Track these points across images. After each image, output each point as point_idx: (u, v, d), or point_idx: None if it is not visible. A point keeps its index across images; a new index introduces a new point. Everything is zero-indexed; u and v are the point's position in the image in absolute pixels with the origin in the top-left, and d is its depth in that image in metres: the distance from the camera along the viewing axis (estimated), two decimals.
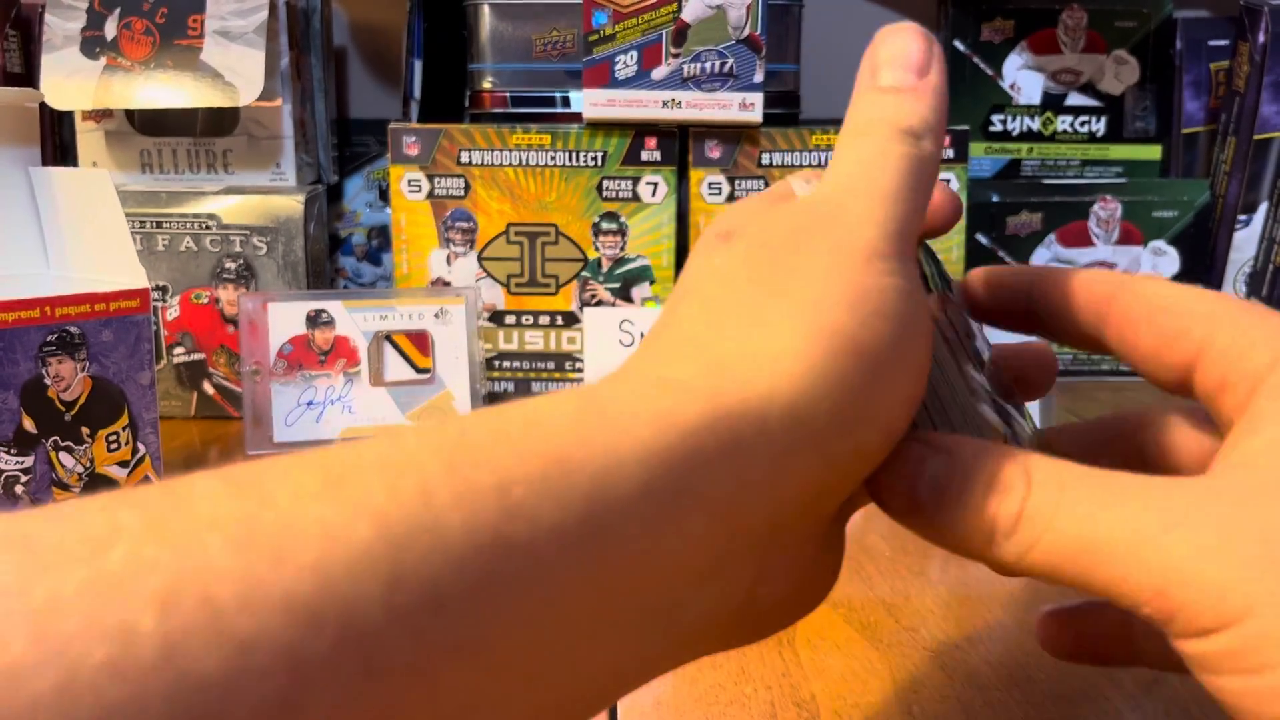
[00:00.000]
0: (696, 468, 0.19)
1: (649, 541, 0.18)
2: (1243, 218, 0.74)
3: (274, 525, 0.16)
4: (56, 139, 0.77)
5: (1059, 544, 0.21)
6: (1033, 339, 0.28)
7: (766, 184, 0.65)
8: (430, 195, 0.65)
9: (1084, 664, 0.29)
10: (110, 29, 0.65)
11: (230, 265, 0.66)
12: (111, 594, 0.14)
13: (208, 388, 0.67)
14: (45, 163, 0.54)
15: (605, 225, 0.65)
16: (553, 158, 0.65)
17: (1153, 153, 0.79)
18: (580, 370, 0.66)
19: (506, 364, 0.67)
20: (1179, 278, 0.74)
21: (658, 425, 0.19)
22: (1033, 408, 0.29)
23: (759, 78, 0.62)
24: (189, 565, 0.15)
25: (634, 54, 0.62)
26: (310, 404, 0.59)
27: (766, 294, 0.22)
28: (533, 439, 0.18)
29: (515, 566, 0.17)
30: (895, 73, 0.24)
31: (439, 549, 0.16)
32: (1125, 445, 0.27)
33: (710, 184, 0.65)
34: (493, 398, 0.67)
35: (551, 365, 0.67)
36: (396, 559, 0.16)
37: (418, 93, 0.73)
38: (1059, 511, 0.21)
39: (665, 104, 0.63)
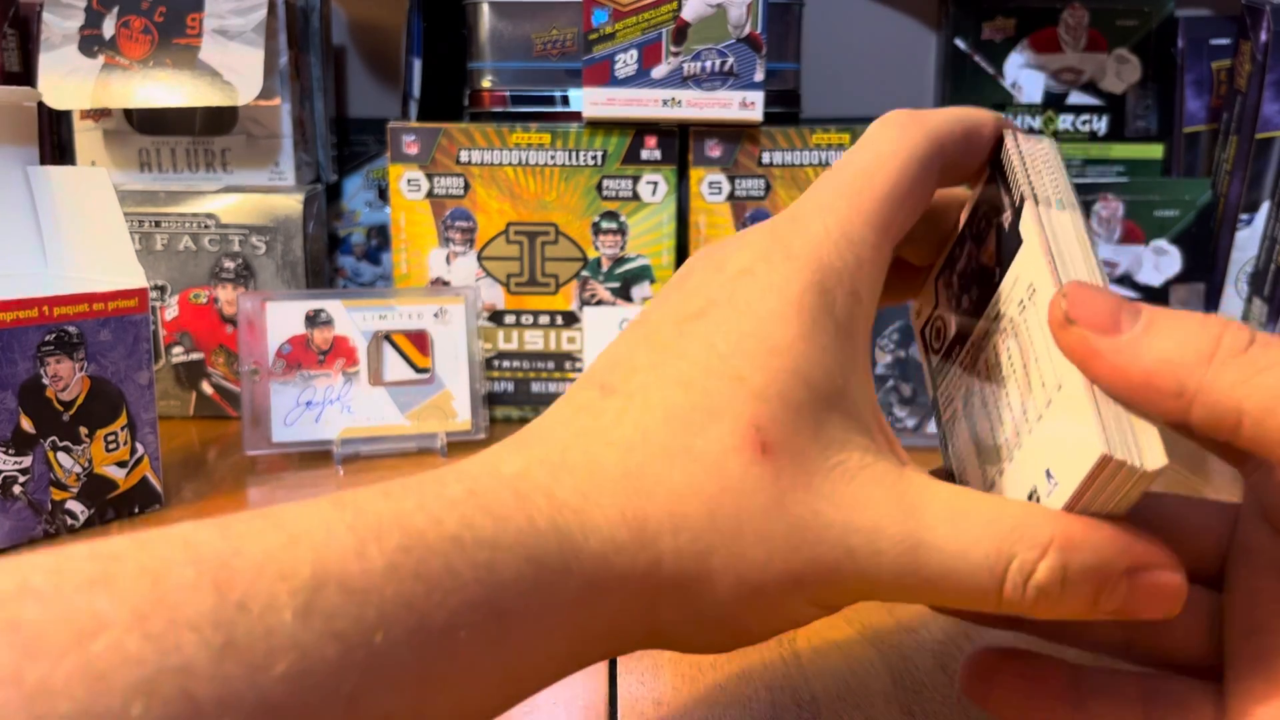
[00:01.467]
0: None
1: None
2: (1244, 217, 0.74)
3: (249, 636, 0.17)
4: (55, 138, 0.77)
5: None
6: None
7: (767, 183, 0.65)
8: (430, 194, 0.65)
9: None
10: (108, 28, 0.65)
11: (229, 264, 0.66)
12: (99, 684, 0.15)
13: (206, 387, 0.67)
14: (43, 162, 0.54)
15: (605, 224, 0.65)
16: (552, 157, 0.64)
17: (1154, 152, 0.79)
18: (580, 370, 0.66)
19: (506, 364, 0.67)
20: (1181, 277, 0.73)
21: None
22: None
23: (759, 76, 0.62)
24: (170, 664, 0.16)
25: (634, 53, 0.62)
26: (309, 404, 0.58)
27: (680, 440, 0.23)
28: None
29: (443, 671, 0.19)
30: None
31: (390, 680, 0.18)
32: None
33: (711, 183, 0.65)
34: (492, 398, 0.66)
35: (551, 365, 0.66)
36: (358, 684, 0.18)
37: (417, 91, 0.73)
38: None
39: (665, 103, 0.62)
